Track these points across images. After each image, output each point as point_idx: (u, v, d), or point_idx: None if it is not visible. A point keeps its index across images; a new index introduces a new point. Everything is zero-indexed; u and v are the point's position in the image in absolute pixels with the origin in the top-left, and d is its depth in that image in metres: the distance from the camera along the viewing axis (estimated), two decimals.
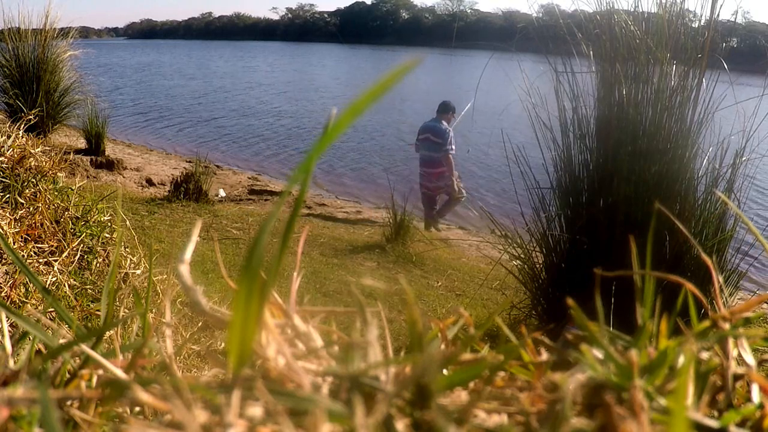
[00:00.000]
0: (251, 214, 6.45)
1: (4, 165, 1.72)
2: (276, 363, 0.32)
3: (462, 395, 0.32)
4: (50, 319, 1.13)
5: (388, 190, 5.99)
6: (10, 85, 8.52)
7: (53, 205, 1.75)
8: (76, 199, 1.83)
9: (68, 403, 0.34)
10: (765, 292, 3.20)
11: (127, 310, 1.46)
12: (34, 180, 1.77)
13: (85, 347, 0.36)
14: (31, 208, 1.67)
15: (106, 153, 8.71)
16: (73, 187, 1.89)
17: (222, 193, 7.88)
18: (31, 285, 1.42)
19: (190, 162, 8.69)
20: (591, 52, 3.33)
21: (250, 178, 9.16)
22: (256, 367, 0.32)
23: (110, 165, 8.25)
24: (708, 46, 2.96)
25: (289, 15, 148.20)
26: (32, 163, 1.80)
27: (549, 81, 3.39)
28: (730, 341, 0.34)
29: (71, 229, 1.73)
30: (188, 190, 6.59)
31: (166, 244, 4.51)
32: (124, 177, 8.06)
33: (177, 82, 25.98)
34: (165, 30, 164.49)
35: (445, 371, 0.33)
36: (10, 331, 0.42)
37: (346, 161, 11.34)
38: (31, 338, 0.40)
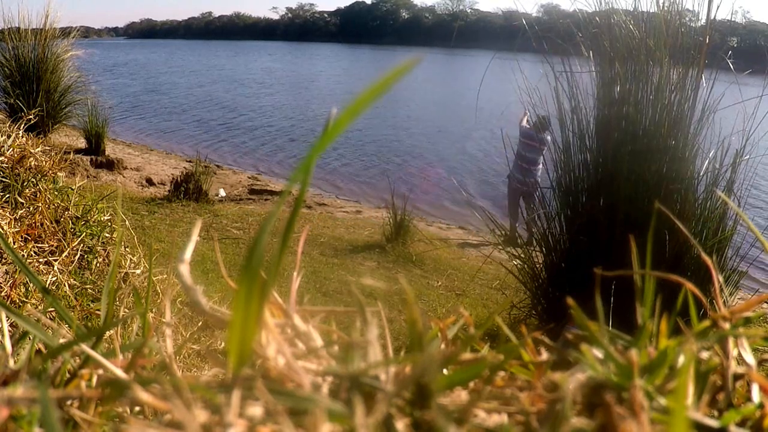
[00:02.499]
0: (251, 214, 6.45)
1: (4, 165, 1.72)
2: (276, 363, 0.32)
3: (462, 395, 0.32)
4: (50, 318, 1.13)
5: (388, 190, 5.99)
6: (10, 85, 8.51)
7: (53, 204, 1.75)
8: (76, 199, 1.83)
9: (68, 402, 0.34)
10: (765, 292, 3.20)
11: (127, 310, 1.46)
12: (34, 180, 1.77)
13: (85, 347, 0.36)
14: (31, 208, 1.67)
15: (106, 153, 8.71)
16: (73, 187, 1.89)
17: (222, 192, 7.88)
18: (31, 285, 1.42)
19: (190, 162, 8.69)
20: (590, 52, 3.33)
21: (250, 178, 9.15)
22: (256, 367, 0.32)
23: (110, 165, 8.25)
24: (706, 45, 2.96)
25: (289, 15, 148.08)
26: (32, 163, 1.80)
27: (549, 81, 3.39)
28: (730, 341, 0.34)
29: (71, 228, 1.73)
30: (188, 189, 6.59)
31: (166, 244, 4.51)
32: (124, 177, 8.06)
33: (176, 82, 25.99)
34: (165, 30, 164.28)
35: (445, 371, 0.33)
36: (10, 331, 0.42)
37: (346, 160, 11.34)
38: (31, 338, 0.40)
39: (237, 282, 0.28)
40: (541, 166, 6.54)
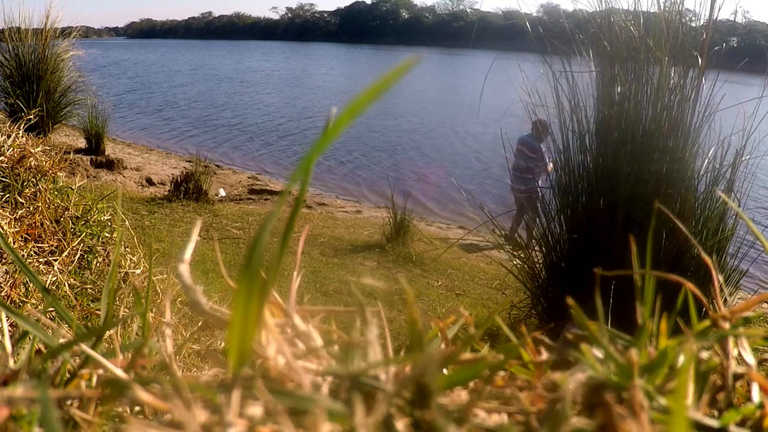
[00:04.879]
0: (251, 214, 6.45)
1: (4, 165, 1.72)
2: (276, 362, 0.32)
3: (462, 395, 0.32)
4: (50, 318, 1.13)
5: (388, 190, 5.99)
6: (10, 85, 8.51)
7: (53, 204, 1.75)
8: (76, 199, 1.83)
9: (68, 402, 0.33)
10: (765, 291, 3.19)
11: (127, 310, 1.46)
12: (34, 179, 1.77)
13: (85, 347, 0.36)
14: (31, 208, 1.67)
15: (106, 152, 8.71)
16: (73, 187, 1.89)
17: (222, 192, 7.88)
18: (31, 284, 1.42)
19: (190, 161, 8.69)
20: (591, 52, 3.33)
21: (250, 178, 9.15)
22: (256, 367, 0.32)
23: (110, 164, 8.24)
24: (706, 45, 2.96)
25: (289, 14, 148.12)
26: (32, 163, 1.80)
27: (549, 81, 3.39)
28: (730, 340, 0.34)
29: (71, 228, 1.73)
30: (188, 189, 6.59)
31: (166, 244, 4.51)
32: (124, 176, 8.06)
33: (177, 81, 25.98)
34: (165, 29, 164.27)
35: (445, 371, 0.33)
36: (10, 331, 0.42)
37: (347, 160, 11.34)
38: (31, 338, 0.40)
39: (237, 282, 0.28)
40: (537, 174, 6.33)
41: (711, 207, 3.14)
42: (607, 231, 3.16)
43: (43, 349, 0.42)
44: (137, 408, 0.37)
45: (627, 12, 3.24)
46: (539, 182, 6.32)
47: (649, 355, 0.33)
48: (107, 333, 0.41)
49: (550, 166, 5.87)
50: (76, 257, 1.65)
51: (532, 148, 6.38)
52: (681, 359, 0.32)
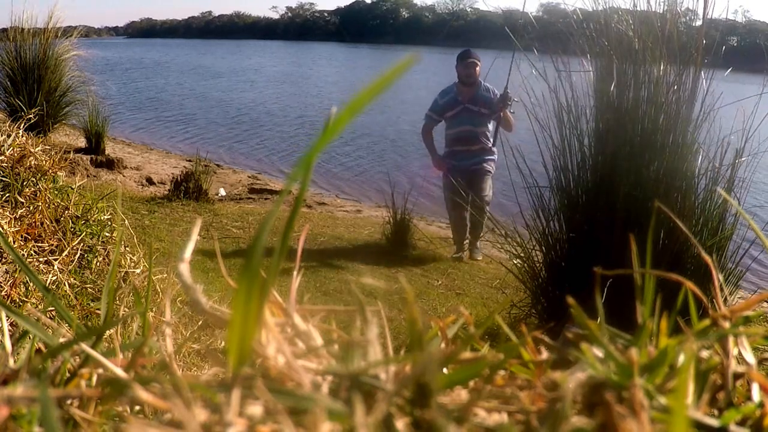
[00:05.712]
0: (251, 213, 6.45)
1: (4, 164, 1.72)
2: (276, 362, 0.32)
3: (462, 394, 0.32)
4: (50, 318, 1.13)
5: (389, 190, 5.99)
6: (11, 85, 8.51)
7: (53, 204, 1.75)
8: (76, 198, 1.83)
9: (68, 401, 0.33)
10: (765, 291, 3.19)
11: (127, 309, 1.46)
12: (34, 179, 1.77)
13: (85, 346, 0.36)
14: (31, 207, 1.67)
15: (106, 152, 8.70)
16: (74, 186, 1.89)
17: (222, 192, 7.87)
18: (32, 284, 1.42)
19: (190, 161, 8.68)
20: (589, 51, 3.33)
21: (250, 177, 9.15)
22: (256, 366, 0.32)
23: (110, 164, 8.24)
24: (701, 43, 2.96)
25: (289, 14, 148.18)
26: (32, 162, 1.80)
27: (548, 80, 3.39)
28: (730, 340, 0.34)
29: (71, 228, 1.73)
30: (188, 189, 6.58)
31: (166, 243, 4.51)
32: (124, 176, 8.06)
33: (177, 80, 25.98)
34: (165, 29, 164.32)
35: (445, 370, 0.33)
36: (10, 330, 0.42)
37: (347, 159, 11.34)
38: (31, 337, 0.40)
39: (237, 281, 0.28)
40: (489, 139, 5.62)
41: (711, 206, 3.14)
42: (607, 230, 3.16)
43: (43, 348, 0.42)
44: (137, 407, 0.37)
45: (626, 11, 3.24)
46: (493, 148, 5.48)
47: (649, 355, 0.33)
48: (107, 332, 0.41)
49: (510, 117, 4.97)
50: (76, 257, 1.65)
51: (487, 102, 5.29)
52: (681, 358, 0.32)
